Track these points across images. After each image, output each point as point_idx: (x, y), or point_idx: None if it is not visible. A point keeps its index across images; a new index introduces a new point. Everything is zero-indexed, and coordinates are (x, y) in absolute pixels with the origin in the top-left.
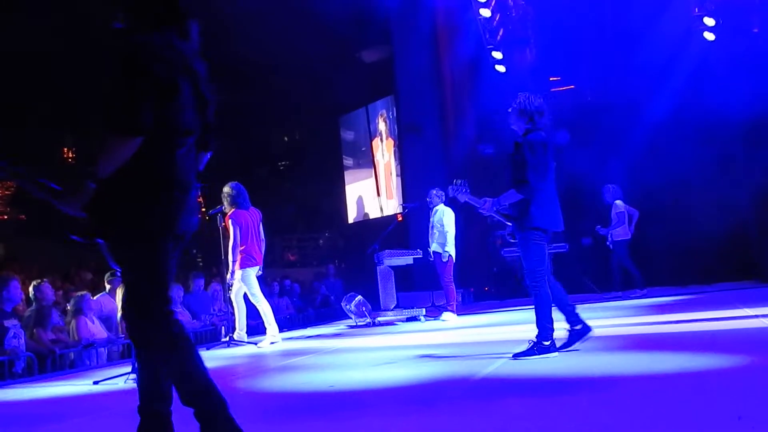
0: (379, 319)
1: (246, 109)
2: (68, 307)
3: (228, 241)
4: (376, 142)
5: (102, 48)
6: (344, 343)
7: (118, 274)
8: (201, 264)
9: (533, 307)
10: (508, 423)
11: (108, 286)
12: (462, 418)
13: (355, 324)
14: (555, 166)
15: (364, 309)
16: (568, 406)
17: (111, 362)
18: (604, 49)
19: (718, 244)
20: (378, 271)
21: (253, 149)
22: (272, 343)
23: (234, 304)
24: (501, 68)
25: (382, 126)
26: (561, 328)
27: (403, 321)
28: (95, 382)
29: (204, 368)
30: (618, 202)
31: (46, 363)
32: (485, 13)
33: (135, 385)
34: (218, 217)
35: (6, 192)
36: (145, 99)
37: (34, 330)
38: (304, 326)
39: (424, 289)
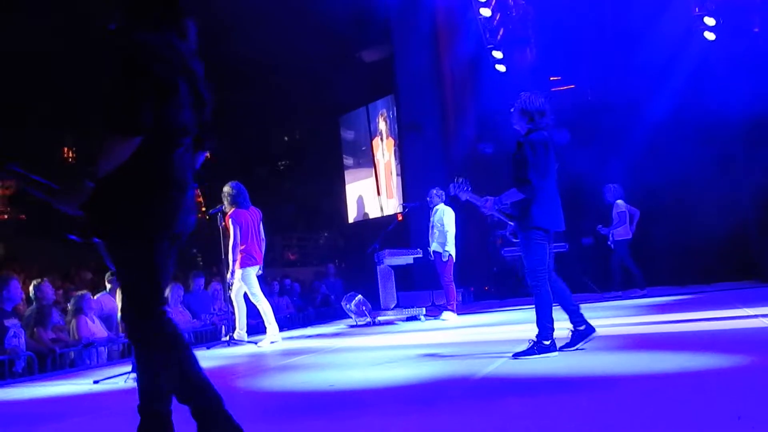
0: (379, 318)
1: (246, 108)
2: (68, 307)
3: (228, 241)
4: (376, 141)
5: (102, 48)
6: (344, 342)
7: None
8: (201, 263)
9: (534, 306)
10: (508, 422)
11: (108, 286)
12: (462, 418)
13: (355, 323)
14: (557, 166)
15: (364, 308)
16: (568, 406)
17: (111, 361)
18: (604, 49)
19: (718, 243)
20: (378, 270)
21: (253, 149)
22: (272, 342)
23: (234, 304)
24: (501, 68)
25: (382, 125)
26: (562, 327)
27: (403, 320)
28: (95, 382)
29: (199, 366)
30: (619, 201)
31: (46, 362)
32: (485, 12)
33: (135, 384)
34: (218, 217)
35: (6, 191)
36: (145, 99)
37: (35, 329)
38: (304, 325)
39: (424, 289)
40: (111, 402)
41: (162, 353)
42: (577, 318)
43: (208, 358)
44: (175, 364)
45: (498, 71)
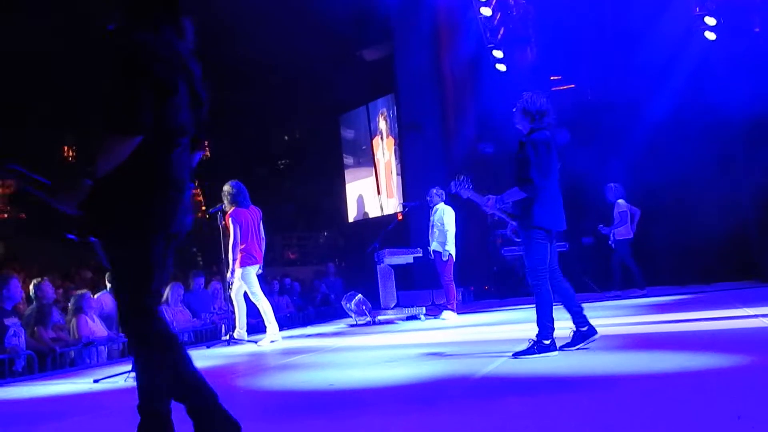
0: (379, 317)
1: (246, 107)
2: (69, 306)
3: (228, 240)
4: (376, 140)
5: (102, 48)
6: (344, 341)
7: None
8: (201, 262)
9: (534, 305)
10: (508, 422)
11: (109, 285)
12: (462, 417)
13: (355, 323)
14: (560, 166)
15: (364, 308)
16: (568, 405)
17: (111, 360)
18: (604, 48)
19: (718, 243)
20: (378, 269)
21: (253, 148)
22: (272, 341)
23: (234, 303)
24: (502, 67)
25: (382, 124)
26: (563, 327)
27: (403, 320)
28: (95, 381)
29: (193, 366)
30: (620, 201)
31: (46, 361)
32: (486, 11)
33: (135, 383)
34: (218, 216)
35: (6, 190)
36: (144, 99)
37: (35, 328)
38: (304, 325)
39: (424, 288)
40: (111, 401)
41: (157, 353)
42: (580, 319)
43: (208, 357)
44: (170, 364)
45: (498, 71)
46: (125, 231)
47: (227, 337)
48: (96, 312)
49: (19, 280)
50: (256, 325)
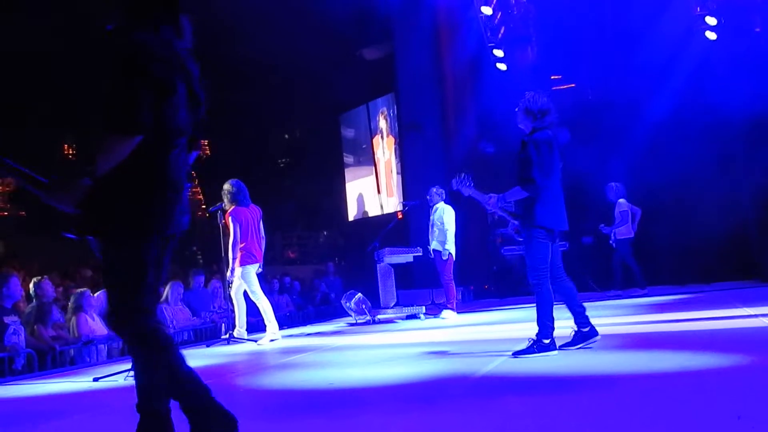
0: (378, 316)
1: (246, 107)
2: (68, 304)
3: (228, 239)
4: (376, 139)
5: (102, 48)
6: (344, 340)
7: None
8: (201, 261)
9: (535, 304)
10: (507, 421)
11: None
12: (462, 416)
13: (354, 321)
14: (561, 165)
15: (363, 306)
16: (568, 405)
17: (111, 359)
18: (605, 48)
19: (718, 243)
20: (378, 268)
21: (253, 147)
22: (272, 340)
23: (234, 302)
24: (502, 66)
25: (382, 123)
26: (564, 326)
27: (402, 319)
28: (95, 379)
29: (186, 363)
30: (621, 200)
31: (46, 360)
32: (486, 11)
33: (134, 382)
34: (218, 215)
35: (6, 189)
36: (144, 98)
37: (35, 326)
38: (303, 324)
39: (424, 287)
40: (111, 399)
41: (152, 352)
42: (582, 319)
43: (207, 355)
44: (165, 363)
45: (499, 70)
46: (123, 230)
47: (227, 335)
48: (96, 310)
49: (19, 278)
50: (256, 324)
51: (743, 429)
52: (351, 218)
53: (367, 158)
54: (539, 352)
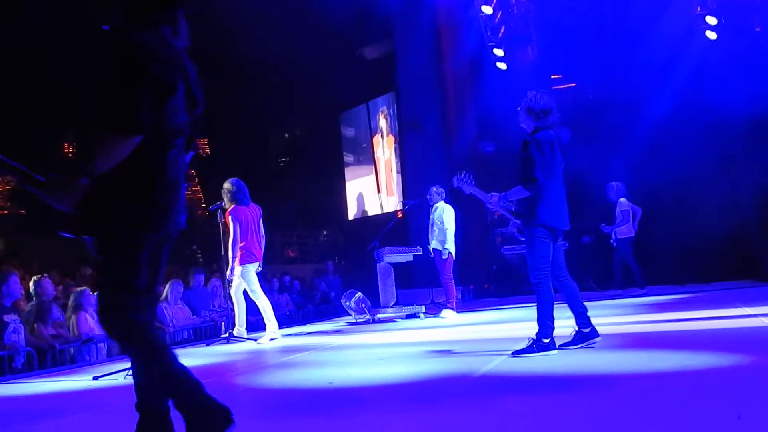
0: (378, 316)
1: (247, 106)
2: (68, 303)
3: (228, 238)
4: (376, 138)
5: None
6: (344, 339)
7: None
8: (201, 260)
9: (536, 303)
10: (507, 420)
11: None
12: (461, 415)
13: (354, 321)
14: (564, 165)
15: (363, 306)
16: (568, 404)
17: (111, 358)
18: (605, 47)
19: (718, 243)
20: (378, 268)
21: (253, 146)
22: (272, 339)
23: (234, 301)
24: (502, 66)
25: (382, 123)
26: (565, 326)
27: (402, 318)
28: (95, 378)
29: (177, 361)
30: (622, 200)
31: (45, 358)
32: (487, 10)
33: (133, 381)
34: (218, 213)
35: (6, 187)
36: (144, 99)
37: (35, 325)
38: (303, 323)
39: (423, 287)
40: (110, 398)
41: (140, 352)
42: (583, 320)
43: (207, 354)
44: (155, 362)
45: (499, 69)
46: (120, 230)
47: (227, 334)
48: (96, 309)
49: (19, 276)
50: (256, 323)
51: (743, 429)
52: (351, 217)
53: (367, 157)
54: (539, 352)
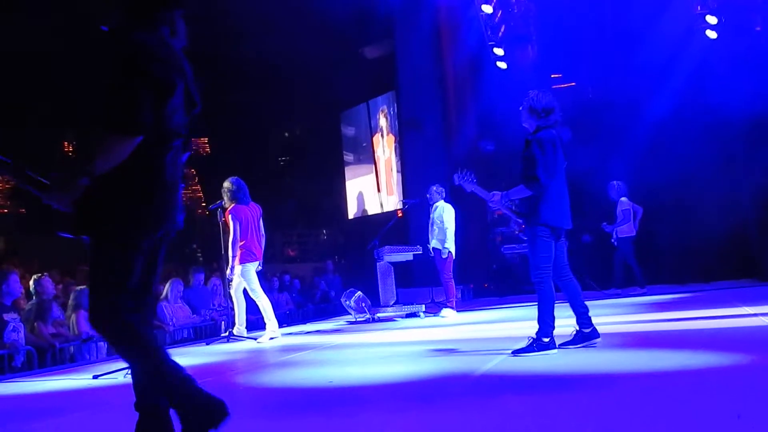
0: (378, 315)
1: (247, 105)
2: (69, 301)
3: (228, 237)
4: (376, 137)
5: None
6: (343, 338)
7: None
8: (201, 259)
9: (537, 302)
10: (507, 420)
11: None
12: (461, 415)
13: (354, 320)
14: (566, 164)
15: (363, 305)
16: (568, 403)
17: (111, 356)
18: (605, 47)
19: (718, 242)
20: (378, 267)
21: (253, 145)
22: (272, 338)
23: (234, 300)
24: (502, 65)
25: (383, 122)
26: (566, 325)
27: (402, 317)
28: (95, 377)
29: (169, 358)
30: (623, 199)
31: (45, 357)
32: (487, 9)
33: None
34: (218, 212)
35: (6, 186)
36: (144, 99)
37: (35, 324)
38: (303, 322)
39: (423, 286)
40: (110, 397)
41: (130, 351)
42: (584, 320)
43: (207, 353)
44: (146, 361)
45: (499, 68)
46: (118, 230)
47: (227, 333)
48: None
49: (19, 275)
50: (256, 322)
51: (743, 428)
52: (351, 216)
53: (367, 156)
54: (539, 351)
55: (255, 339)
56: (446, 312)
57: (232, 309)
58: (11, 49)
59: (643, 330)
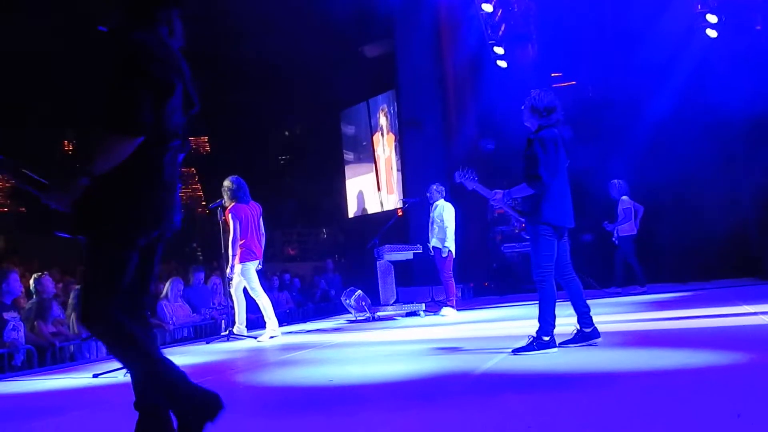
0: (378, 313)
1: (247, 104)
2: (69, 300)
3: (228, 235)
4: (377, 136)
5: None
6: (344, 337)
7: None
8: (201, 257)
9: (538, 301)
10: (507, 418)
11: None
12: (461, 413)
13: (354, 319)
14: (568, 163)
15: (363, 304)
16: (568, 402)
17: (111, 355)
18: (606, 46)
19: (718, 241)
20: (378, 265)
21: (254, 144)
22: (272, 337)
23: (234, 298)
24: (503, 64)
25: (383, 121)
26: (567, 324)
27: (402, 316)
28: (95, 375)
29: (163, 357)
30: (624, 197)
31: (45, 356)
32: (487, 8)
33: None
34: (218, 211)
35: (6, 185)
36: (144, 99)
37: (35, 322)
38: (303, 321)
39: (423, 284)
40: (110, 396)
41: (123, 350)
42: (585, 320)
43: (207, 352)
44: (139, 359)
45: (499, 67)
46: (117, 230)
47: (227, 332)
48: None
49: (19, 274)
50: (256, 321)
51: (743, 427)
52: (351, 215)
53: (368, 155)
54: (539, 350)
55: (255, 338)
56: (446, 311)
57: (232, 308)
58: (11, 49)
59: (643, 329)
